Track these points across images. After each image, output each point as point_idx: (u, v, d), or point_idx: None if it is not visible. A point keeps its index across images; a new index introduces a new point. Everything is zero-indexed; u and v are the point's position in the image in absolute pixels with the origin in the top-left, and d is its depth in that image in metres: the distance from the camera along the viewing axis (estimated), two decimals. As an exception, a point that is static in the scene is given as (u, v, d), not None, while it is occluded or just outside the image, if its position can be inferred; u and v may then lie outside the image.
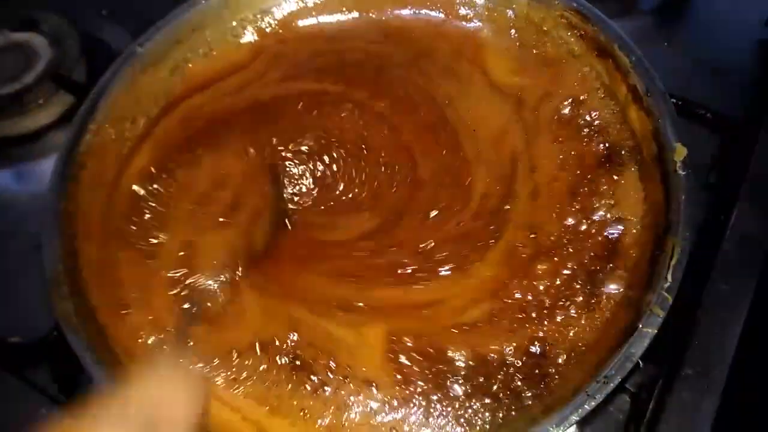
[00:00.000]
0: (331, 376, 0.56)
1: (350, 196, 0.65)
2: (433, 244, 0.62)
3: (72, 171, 0.63)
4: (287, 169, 0.67)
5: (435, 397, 0.55)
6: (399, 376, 0.55)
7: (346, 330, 0.58)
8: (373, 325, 0.58)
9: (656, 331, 0.51)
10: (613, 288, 0.58)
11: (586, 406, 0.49)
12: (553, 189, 0.64)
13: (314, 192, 0.66)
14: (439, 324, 0.58)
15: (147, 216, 0.64)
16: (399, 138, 0.68)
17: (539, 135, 0.67)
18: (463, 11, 0.76)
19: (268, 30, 0.77)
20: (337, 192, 0.66)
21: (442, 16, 0.77)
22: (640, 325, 0.51)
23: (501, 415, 0.54)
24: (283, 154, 0.68)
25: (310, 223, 0.64)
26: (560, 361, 0.55)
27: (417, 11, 0.77)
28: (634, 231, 0.60)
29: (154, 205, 0.65)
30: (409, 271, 0.60)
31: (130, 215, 0.65)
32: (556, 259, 0.60)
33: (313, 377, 0.56)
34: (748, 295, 0.61)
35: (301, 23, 0.77)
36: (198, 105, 0.72)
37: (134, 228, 0.64)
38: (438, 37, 0.75)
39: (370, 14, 0.77)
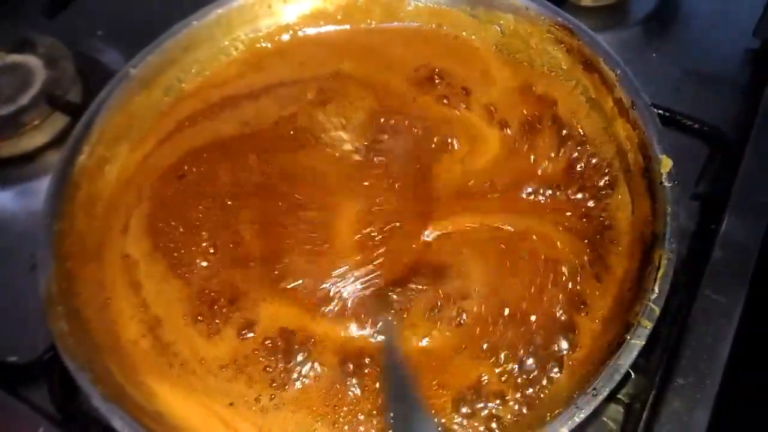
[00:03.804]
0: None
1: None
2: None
3: (66, 192, 0.64)
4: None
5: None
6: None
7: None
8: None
9: (644, 342, 0.51)
10: (601, 300, 0.59)
11: (575, 419, 0.49)
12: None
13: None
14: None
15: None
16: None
17: (528, 151, 0.68)
18: (449, 26, 0.77)
19: (259, 47, 0.78)
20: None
21: (432, 27, 0.77)
22: (628, 337, 0.51)
23: (493, 426, 0.54)
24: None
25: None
26: (551, 374, 0.56)
27: (405, 24, 0.78)
28: (623, 243, 0.61)
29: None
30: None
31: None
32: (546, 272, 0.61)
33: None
34: (739, 303, 0.61)
35: (289, 38, 0.78)
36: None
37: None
38: (425, 52, 0.76)
39: (360, 26, 0.78)
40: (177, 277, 0.63)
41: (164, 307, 0.62)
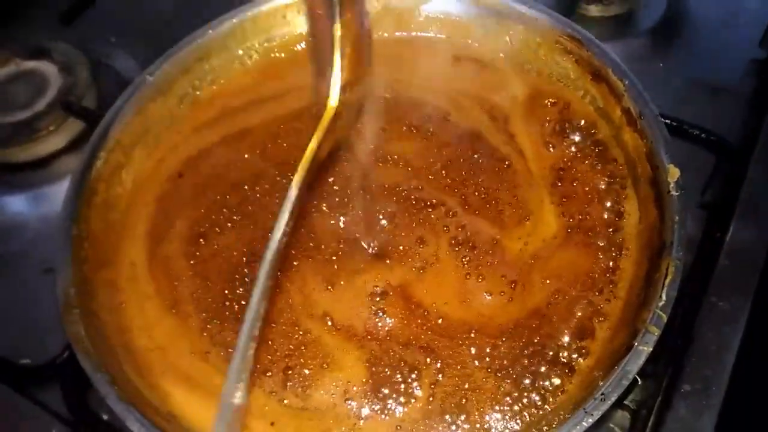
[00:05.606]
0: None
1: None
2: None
3: (84, 196, 0.65)
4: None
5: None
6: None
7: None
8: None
9: (651, 348, 0.52)
10: (610, 307, 0.59)
11: (584, 423, 0.49)
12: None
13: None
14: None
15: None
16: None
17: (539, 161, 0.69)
18: (459, 37, 0.78)
19: (273, 56, 0.79)
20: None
21: (442, 37, 0.78)
22: (636, 343, 0.52)
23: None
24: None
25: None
26: (561, 380, 0.56)
27: (418, 34, 0.79)
28: (631, 251, 0.62)
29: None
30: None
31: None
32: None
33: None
34: (744, 310, 0.62)
35: (304, 48, 0.79)
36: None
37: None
38: (437, 60, 0.77)
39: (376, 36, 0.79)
40: (170, 315, 0.63)
41: (168, 338, 0.62)
